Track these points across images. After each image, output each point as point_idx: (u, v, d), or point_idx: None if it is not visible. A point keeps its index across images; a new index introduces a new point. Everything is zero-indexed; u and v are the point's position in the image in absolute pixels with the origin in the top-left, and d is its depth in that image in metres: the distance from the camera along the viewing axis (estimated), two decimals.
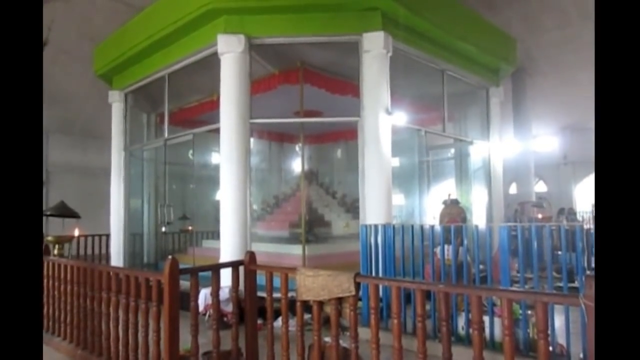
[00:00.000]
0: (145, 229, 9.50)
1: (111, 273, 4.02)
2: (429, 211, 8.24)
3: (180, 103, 8.96)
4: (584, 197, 20.91)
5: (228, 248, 6.23)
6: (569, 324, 3.90)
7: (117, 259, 8.88)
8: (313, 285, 3.14)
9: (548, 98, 16.89)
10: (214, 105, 7.07)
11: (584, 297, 1.84)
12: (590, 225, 8.16)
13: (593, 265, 4.07)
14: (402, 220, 8.82)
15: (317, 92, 7.45)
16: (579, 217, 15.78)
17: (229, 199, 6.33)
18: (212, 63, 6.68)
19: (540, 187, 22.05)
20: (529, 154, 16.29)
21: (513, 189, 18.03)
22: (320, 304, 3.17)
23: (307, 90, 7.16)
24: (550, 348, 4.03)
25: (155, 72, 8.05)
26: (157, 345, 3.44)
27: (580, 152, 19.89)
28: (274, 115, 7.33)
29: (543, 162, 20.24)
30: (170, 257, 3.34)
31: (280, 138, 11.47)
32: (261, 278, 3.67)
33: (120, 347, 3.81)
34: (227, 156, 6.37)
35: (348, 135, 9.69)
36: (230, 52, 6.36)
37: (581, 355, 3.84)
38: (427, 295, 2.94)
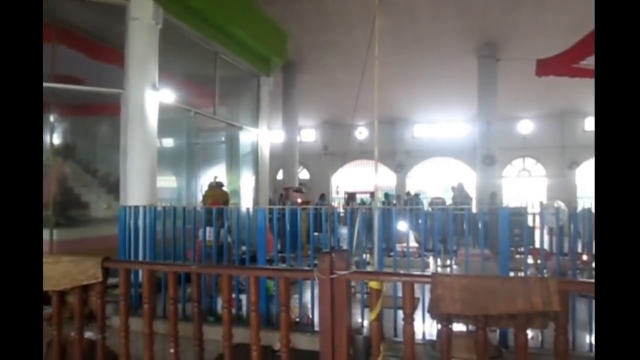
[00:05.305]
0: None
1: None
2: (199, 194, 8.19)
3: None
4: (338, 184, 23.78)
5: None
6: (314, 298, 4.36)
7: None
8: (52, 273, 2.76)
9: (313, 94, 18.51)
10: None
11: (318, 270, 2.06)
12: (340, 209, 9.27)
13: (341, 243, 4.66)
14: (172, 203, 8.55)
15: (79, 56, 6.61)
16: (332, 203, 17.87)
17: None
18: None
19: (304, 174, 24.18)
20: (295, 144, 17.64)
21: (280, 175, 19.29)
22: (62, 294, 2.82)
23: (65, 53, 6.28)
24: (298, 319, 4.49)
25: None
26: None
27: (337, 145, 22.55)
28: None
29: (307, 152, 22.44)
30: None
31: None
32: None
33: None
34: None
35: (115, 109, 8.88)
36: None
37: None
38: (189, 277, 2.90)
